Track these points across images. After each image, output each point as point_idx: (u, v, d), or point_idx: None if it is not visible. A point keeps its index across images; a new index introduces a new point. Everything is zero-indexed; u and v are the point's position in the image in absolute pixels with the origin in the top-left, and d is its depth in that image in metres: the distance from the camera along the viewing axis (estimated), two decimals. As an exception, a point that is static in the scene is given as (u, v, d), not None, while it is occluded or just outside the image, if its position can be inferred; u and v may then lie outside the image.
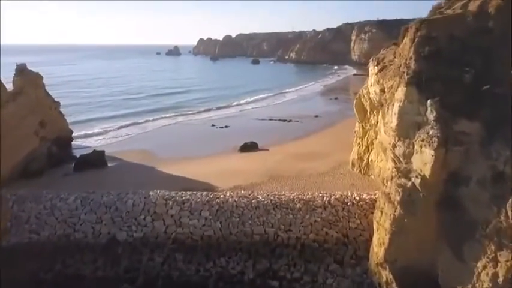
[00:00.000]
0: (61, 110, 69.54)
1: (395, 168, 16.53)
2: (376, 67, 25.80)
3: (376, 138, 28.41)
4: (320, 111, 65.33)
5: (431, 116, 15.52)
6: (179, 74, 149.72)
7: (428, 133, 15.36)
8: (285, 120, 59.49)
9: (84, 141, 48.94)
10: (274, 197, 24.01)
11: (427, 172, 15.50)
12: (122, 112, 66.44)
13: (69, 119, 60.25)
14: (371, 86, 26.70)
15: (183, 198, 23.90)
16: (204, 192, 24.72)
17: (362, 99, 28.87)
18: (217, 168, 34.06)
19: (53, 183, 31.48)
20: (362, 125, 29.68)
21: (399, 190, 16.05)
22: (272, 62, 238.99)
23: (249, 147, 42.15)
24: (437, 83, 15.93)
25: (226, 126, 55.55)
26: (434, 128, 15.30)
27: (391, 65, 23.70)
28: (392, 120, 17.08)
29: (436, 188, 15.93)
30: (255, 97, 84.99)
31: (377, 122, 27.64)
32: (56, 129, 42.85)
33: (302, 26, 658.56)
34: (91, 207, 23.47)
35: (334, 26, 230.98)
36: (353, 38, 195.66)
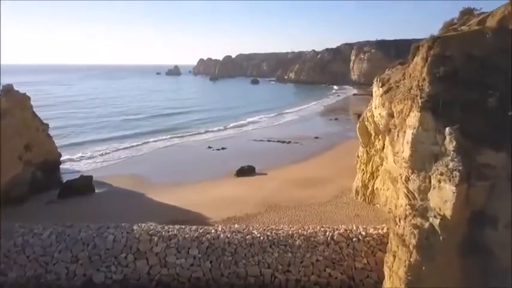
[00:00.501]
0: (56, 131, 67.46)
1: (409, 205, 14.26)
2: (380, 88, 23.88)
3: (381, 164, 26.23)
4: (320, 132, 63.38)
5: (450, 145, 13.41)
6: (178, 94, 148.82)
7: (447, 166, 13.21)
8: (284, 142, 57.46)
9: (75, 164, 46.75)
10: (271, 232, 21.58)
11: (447, 211, 13.26)
12: (118, 134, 64.38)
13: (62, 141, 58.76)
14: (376, 108, 24.72)
15: (170, 233, 21.47)
16: (194, 227, 22.28)
17: (366, 123, 26.85)
18: (210, 196, 31.72)
19: (33, 212, 29.15)
20: (366, 150, 27.56)
21: (415, 232, 13.76)
22: (272, 82, 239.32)
23: (246, 171, 39.91)
24: (455, 108, 13.92)
25: (223, 148, 53.44)
26: (455, 160, 13.16)
27: (398, 86, 21.79)
28: (404, 149, 14.96)
29: (458, 230, 13.66)
30: (254, 118, 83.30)
31: (383, 147, 25.54)
32: (43, 153, 40.73)
33: (301, 46, 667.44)
34: (67, 244, 21.02)
35: (334, 46, 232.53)
36: (352, 58, 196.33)
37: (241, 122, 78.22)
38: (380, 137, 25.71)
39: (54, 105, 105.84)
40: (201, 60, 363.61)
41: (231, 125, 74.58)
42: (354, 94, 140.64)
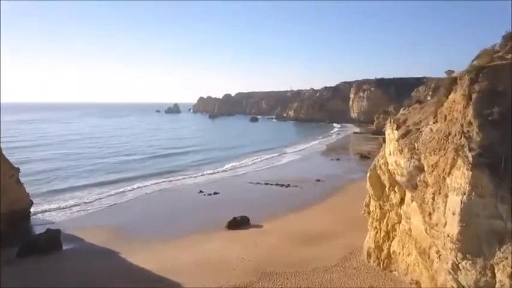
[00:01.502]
0: (41, 175, 62.64)
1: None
2: (396, 131, 19.73)
3: (399, 222, 21.56)
4: (321, 174, 58.79)
5: (522, 222, 8.95)
6: (176, 132, 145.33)
7: (522, 254, 8.67)
8: (282, 185, 52.76)
9: (49, 214, 41.59)
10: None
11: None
12: (107, 178, 59.29)
13: (44, 187, 53.56)
14: (390, 155, 20.46)
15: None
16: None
17: (378, 171, 22.47)
18: (194, 257, 26.64)
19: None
20: (379, 204, 22.95)
21: None
22: (271, 120, 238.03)
23: (239, 223, 34.96)
24: (522, 165, 9.59)
25: (215, 193, 48.63)
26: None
27: (418, 129, 17.67)
28: (449, 223, 10.52)
29: None
30: (252, 158, 79.03)
31: (400, 202, 20.99)
32: (10, 202, 36.07)
33: (300, 84, 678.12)
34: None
35: (332, 84, 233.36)
36: (351, 96, 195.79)
37: (238, 162, 73.82)
38: (396, 188, 21.23)
39: (49, 144, 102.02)
40: (201, 98, 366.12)
41: (227, 166, 70.10)
42: (355, 132, 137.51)
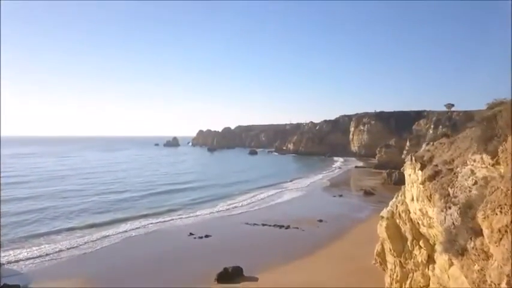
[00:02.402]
0: (21, 217, 57.43)
1: None
2: (420, 171, 15.79)
3: (427, 286, 17.08)
4: (324, 214, 54.15)
5: None
6: (173, 167, 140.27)
7: None
8: (282, 226, 48.01)
9: (17, 264, 36.54)
10: None
11: None
12: (92, 219, 53.72)
13: (19, 232, 48.05)
14: (413, 201, 16.41)
15: None
16: None
17: (398, 221, 18.26)
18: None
19: None
20: (400, 262, 18.53)
21: None
22: (270, 153, 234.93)
23: (230, 275, 30.10)
24: None
25: (206, 236, 43.79)
26: None
27: (451, 169, 13.76)
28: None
29: None
30: (250, 194, 74.50)
31: (427, 261, 16.66)
32: (-32, 250, 31.54)
33: (299, 117, 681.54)
34: None
35: (332, 117, 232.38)
36: (351, 129, 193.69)
37: (235, 200, 69.19)
38: (422, 243, 16.96)
39: (39, 180, 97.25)
40: (200, 131, 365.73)
41: (222, 204, 65.33)
42: (356, 166, 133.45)
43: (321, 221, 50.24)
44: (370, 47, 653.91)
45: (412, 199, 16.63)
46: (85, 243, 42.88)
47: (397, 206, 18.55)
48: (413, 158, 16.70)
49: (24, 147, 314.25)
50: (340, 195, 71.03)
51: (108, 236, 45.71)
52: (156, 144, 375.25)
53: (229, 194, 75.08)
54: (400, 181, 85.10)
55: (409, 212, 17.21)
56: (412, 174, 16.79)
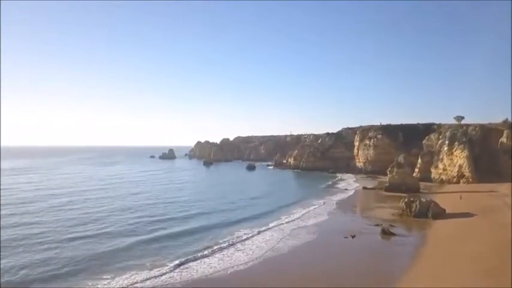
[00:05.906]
0: None
1: None
2: None
3: None
4: (336, 274, 41.31)
5: None
6: (160, 190, 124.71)
7: None
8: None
9: None
10: None
11: None
12: (46, 273, 41.22)
13: None
14: None
15: None
16: None
17: None
18: None
19: None
20: None
21: None
22: (269, 167, 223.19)
23: None
24: None
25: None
26: None
27: None
28: None
29: None
30: (241, 232, 61.48)
31: None
32: None
33: (299, 129, 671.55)
34: None
35: (334, 129, 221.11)
36: (356, 143, 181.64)
37: (224, 240, 56.13)
38: None
39: (13, 203, 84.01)
40: (198, 142, 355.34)
41: (206, 250, 51.32)
42: (364, 188, 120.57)
43: (331, 289, 37.17)
44: (369, 54, 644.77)
45: None
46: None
47: None
48: None
49: (16, 161, 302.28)
50: (353, 236, 57.60)
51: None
52: (152, 157, 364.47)
53: (207, 239, 61.80)
54: (422, 214, 71.64)
55: None
56: None
